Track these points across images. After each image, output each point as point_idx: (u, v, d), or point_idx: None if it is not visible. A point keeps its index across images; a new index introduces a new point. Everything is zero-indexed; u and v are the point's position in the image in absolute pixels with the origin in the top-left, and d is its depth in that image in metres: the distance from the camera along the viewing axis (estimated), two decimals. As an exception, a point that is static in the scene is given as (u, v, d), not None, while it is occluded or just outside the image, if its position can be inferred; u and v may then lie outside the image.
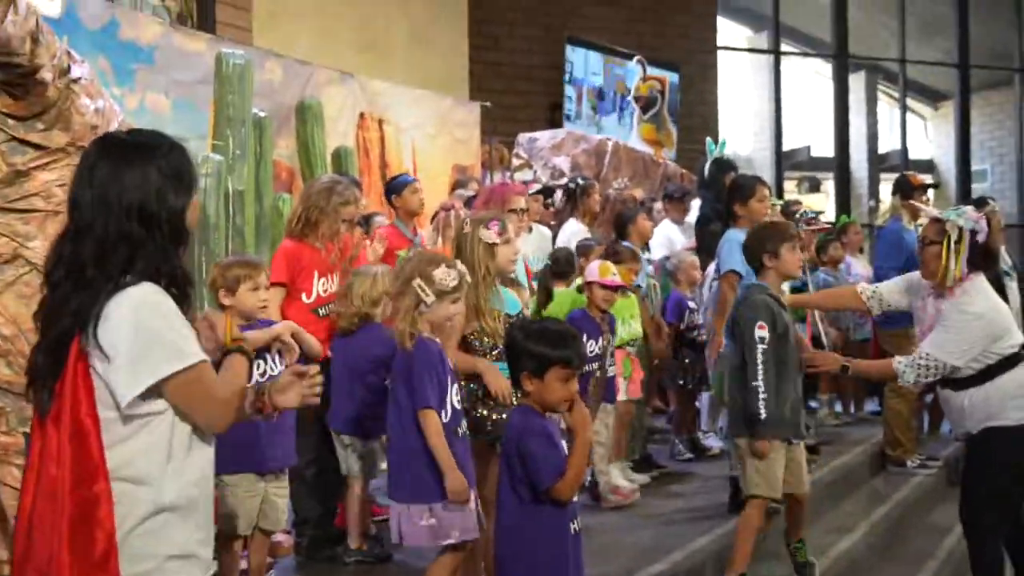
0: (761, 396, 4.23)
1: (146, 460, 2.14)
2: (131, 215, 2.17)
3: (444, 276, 3.46)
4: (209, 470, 2.28)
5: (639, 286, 6.18)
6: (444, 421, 3.41)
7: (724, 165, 7.78)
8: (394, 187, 5.81)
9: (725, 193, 7.61)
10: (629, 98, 12.29)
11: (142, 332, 2.10)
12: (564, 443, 3.12)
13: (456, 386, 3.51)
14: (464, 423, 3.54)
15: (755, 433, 4.31)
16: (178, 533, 2.16)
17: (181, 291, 2.21)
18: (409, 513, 3.43)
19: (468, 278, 3.59)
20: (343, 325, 4.45)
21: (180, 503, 2.16)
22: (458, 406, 3.49)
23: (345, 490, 4.51)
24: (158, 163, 2.22)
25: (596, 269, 5.21)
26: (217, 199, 5.28)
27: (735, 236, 5.30)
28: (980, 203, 7.53)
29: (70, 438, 2.08)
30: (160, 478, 2.14)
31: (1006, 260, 7.28)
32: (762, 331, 4.27)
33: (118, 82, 6.02)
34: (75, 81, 4.12)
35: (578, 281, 5.97)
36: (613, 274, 5.15)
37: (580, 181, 6.92)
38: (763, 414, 4.23)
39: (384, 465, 5.54)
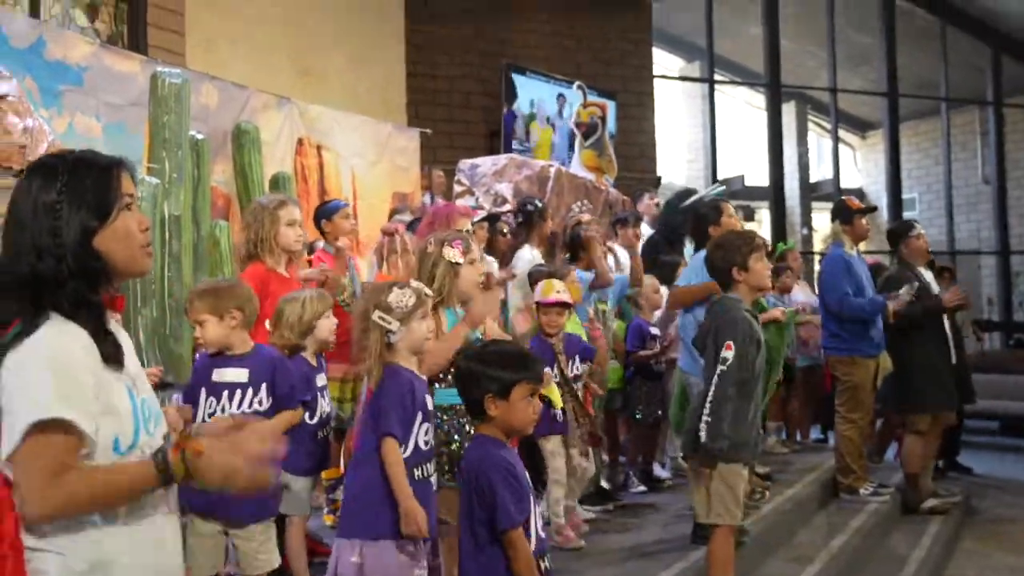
0: (704, 419, 4.01)
1: (51, 525, 1.84)
2: (22, 254, 1.90)
3: (400, 298, 3.27)
4: (155, 533, 1.95)
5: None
6: (404, 456, 3.19)
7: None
8: (325, 212, 5.63)
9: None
10: (570, 124, 12.23)
11: (23, 381, 1.81)
12: (527, 474, 2.95)
13: (427, 425, 3.27)
14: (428, 467, 3.27)
15: (718, 456, 4.08)
16: None
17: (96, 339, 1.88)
18: (341, 549, 3.20)
19: (427, 291, 3.40)
20: None
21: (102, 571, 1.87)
22: (424, 447, 3.24)
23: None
24: (55, 188, 1.93)
25: (540, 289, 5.10)
26: (152, 224, 5.01)
27: None
28: (905, 227, 7.57)
29: None
30: (71, 544, 1.84)
31: (934, 287, 7.28)
32: (728, 352, 4.06)
33: (45, 103, 5.74)
34: (2, 98, 3.91)
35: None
36: (557, 292, 5.00)
37: (538, 204, 6.65)
38: (703, 438, 4.00)
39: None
